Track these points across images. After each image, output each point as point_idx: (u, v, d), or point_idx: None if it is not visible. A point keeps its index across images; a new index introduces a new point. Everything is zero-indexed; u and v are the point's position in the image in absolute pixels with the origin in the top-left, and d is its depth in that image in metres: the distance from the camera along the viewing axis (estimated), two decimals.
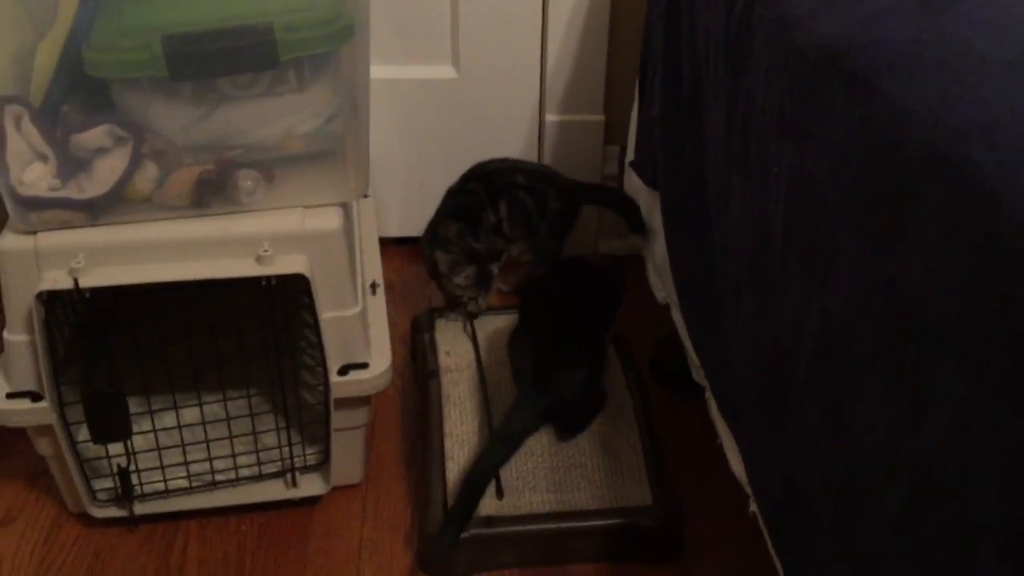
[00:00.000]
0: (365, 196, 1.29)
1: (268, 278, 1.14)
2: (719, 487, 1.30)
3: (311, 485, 1.32)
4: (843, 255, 0.78)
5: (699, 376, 1.27)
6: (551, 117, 1.80)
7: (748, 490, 1.06)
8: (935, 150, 0.65)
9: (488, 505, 1.24)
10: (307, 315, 1.23)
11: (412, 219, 1.88)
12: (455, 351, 1.47)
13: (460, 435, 1.33)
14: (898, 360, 0.69)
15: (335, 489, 1.33)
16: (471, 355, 1.46)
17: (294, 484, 1.31)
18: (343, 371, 1.23)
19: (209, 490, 1.30)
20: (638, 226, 1.58)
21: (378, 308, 1.35)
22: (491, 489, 1.26)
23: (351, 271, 1.21)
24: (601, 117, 1.81)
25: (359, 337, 1.24)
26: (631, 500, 1.26)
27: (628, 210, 1.60)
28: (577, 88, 1.79)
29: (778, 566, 0.96)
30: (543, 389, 1.29)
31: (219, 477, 1.30)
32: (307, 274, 1.14)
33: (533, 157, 1.82)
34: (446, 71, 1.77)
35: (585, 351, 1.35)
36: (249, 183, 1.17)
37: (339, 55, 1.15)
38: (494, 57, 1.75)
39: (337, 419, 1.25)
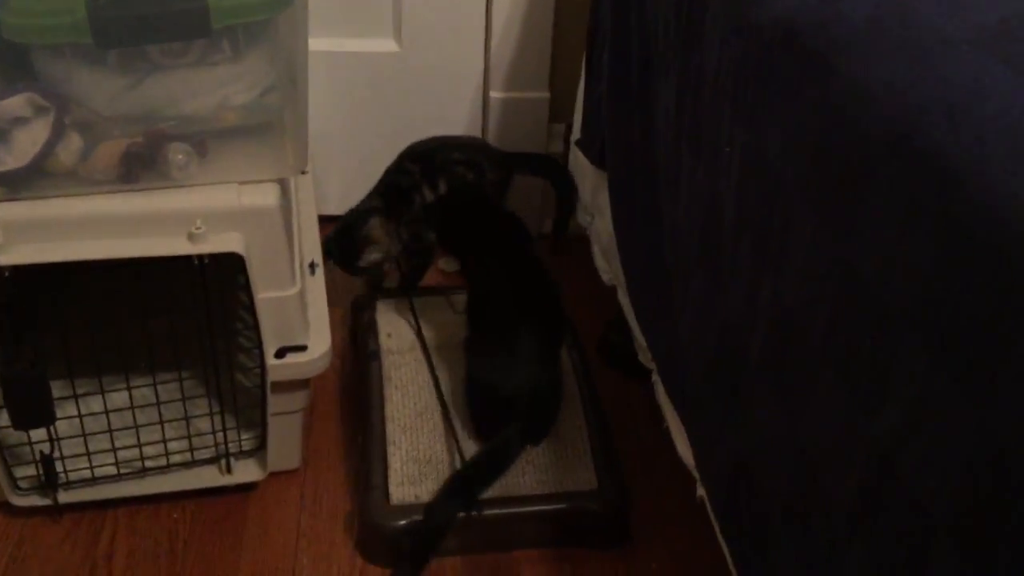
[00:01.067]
0: (303, 172, 1.24)
1: (201, 257, 1.09)
2: (666, 470, 1.28)
3: (247, 471, 1.27)
4: (798, 237, 0.76)
5: (646, 359, 1.26)
6: (495, 94, 1.76)
7: (696, 475, 1.05)
8: (895, 130, 0.64)
9: (435, 489, 1.21)
10: (243, 296, 1.18)
11: (352, 197, 1.83)
12: (396, 332, 1.43)
13: (402, 419, 1.29)
14: (855, 345, 0.68)
15: (272, 475, 1.29)
16: (413, 336, 1.43)
17: (229, 470, 1.27)
18: (280, 354, 1.19)
19: (139, 477, 1.25)
20: (568, 194, 1.59)
21: (317, 288, 1.30)
22: (435, 473, 1.24)
23: (289, 250, 1.17)
24: (546, 94, 1.78)
25: (297, 319, 1.20)
26: (577, 484, 1.24)
27: (559, 178, 1.59)
28: (522, 64, 1.75)
29: (726, 552, 0.94)
30: (528, 414, 1.25)
31: (149, 464, 1.24)
32: (242, 253, 1.10)
33: (477, 134, 1.78)
34: (388, 44, 1.72)
35: (552, 352, 1.31)
36: (181, 157, 1.12)
37: (276, 24, 1.10)
38: (437, 31, 1.71)
39: (274, 403, 1.21)
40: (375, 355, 1.39)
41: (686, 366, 1.03)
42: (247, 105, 1.16)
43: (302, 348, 1.20)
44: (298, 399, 1.25)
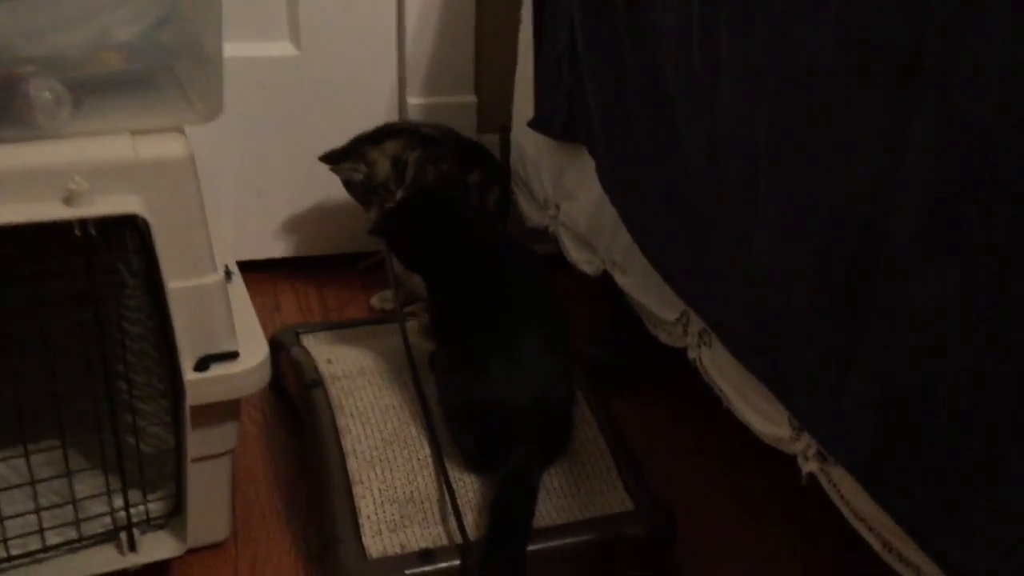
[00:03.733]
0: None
1: (84, 226, 0.78)
2: (692, 490, 1.03)
3: (157, 547, 0.92)
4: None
5: (672, 335, 1.00)
6: (414, 100, 1.53)
7: (795, 443, 0.79)
8: None
9: (424, 535, 0.90)
10: (137, 294, 0.85)
11: (250, 236, 1.53)
12: (339, 358, 1.12)
13: (367, 452, 0.98)
14: None
15: (191, 552, 0.94)
16: (362, 361, 1.12)
17: (132, 548, 0.91)
18: (202, 365, 0.87)
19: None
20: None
21: (240, 295, 0.99)
22: (420, 515, 0.92)
23: (205, 222, 0.86)
24: (472, 98, 1.55)
25: (222, 316, 0.88)
26: (608, 507, 0.96)
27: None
28: (443, 66, 1.53)
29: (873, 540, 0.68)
30: (540, 430, 0.96)
31: (15, 550, 0.88)
32: (144, 216, 0.79)
33: None
34: (284, 48, 1.47)
35: (558, 352, 1.00)
36: (47, 96, 0.81)
37: None
38: (341, 32, 1.47)
39: (195, 442, 0.88)
40: (317, 383, 1.07)
41: (770, 299, 0.78)
42: (134, 44, 0.88)
43: (232, 356, 0.88)
44: (226, 435, 0.92)
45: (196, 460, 0.89)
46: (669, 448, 1.16)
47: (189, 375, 0.85)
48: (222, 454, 0.93)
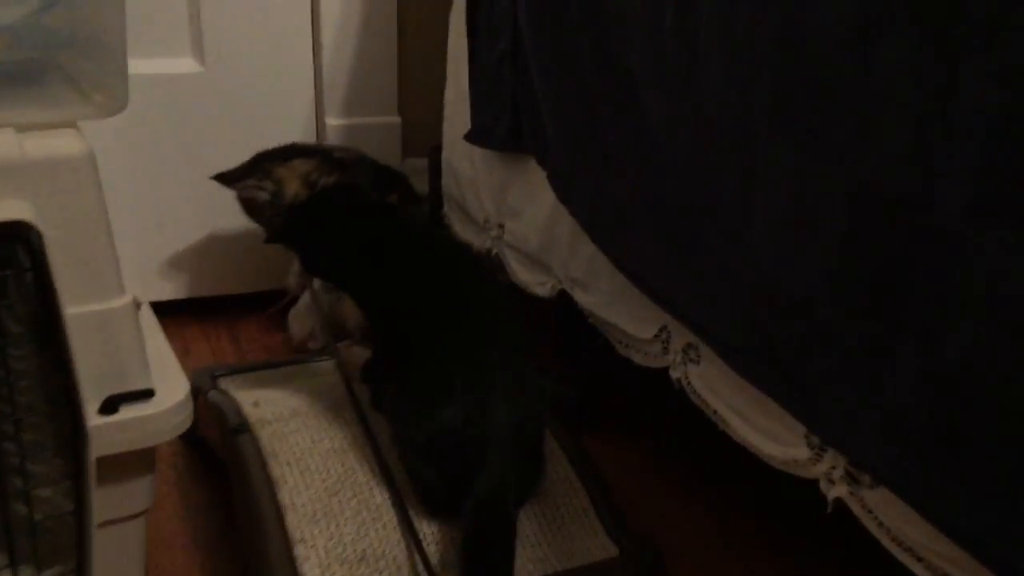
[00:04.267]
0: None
1: None
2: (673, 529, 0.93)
3: None
4: None
5: (650, 356, 0.90)
6: (333, 120, 1.40)
7: (815, 465, 0.69)
8: None
9: None
10: (17, 325, 0.69)
11: (151, 274, 1.38)
12: (267, 401, 0.98)
13: (309, 506, 0.83)
14: None
15: None
16: (292, 402, 0.98)
17: None
18: (109, 407, 0.72)
19: None
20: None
21: (151, 327, 0.85)
22: (396, 574, 0.78)
23: (110, 233, 0.72)
24: (396, 119, 1.44)
25: (132, 347, 0.74)
26: (588, 555, 0.84)
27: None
28: (364, 85, 1.41)
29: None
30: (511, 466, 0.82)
31: None
32: (33, 223, 0.65)
33: None
34: (187, 64, 1.33)
35: (527, 376, 0.87)
36: None
37: None
38: (249, 45, 1.34)
39: (101, 503, 0.72)
40: (242, 429, 0.92)
41: (777, 298, 0.68)
42: (17, 28, 0.74)
43: (145, 394, 0.73)
44: (140, 492, 0.77)
45: (103, 525, 0.74)
46: (643, 486, 1.05)
47: (93, 420, 0.70)
48: (135, 516, 0.78)
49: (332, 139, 1.39)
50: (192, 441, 1.06)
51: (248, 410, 0.95)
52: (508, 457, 0.80)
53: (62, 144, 0.69)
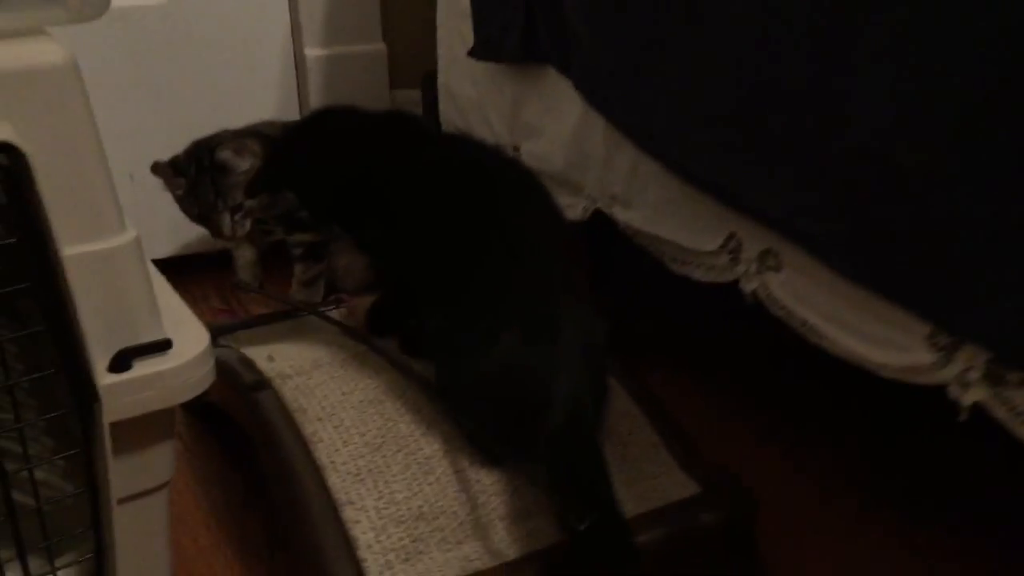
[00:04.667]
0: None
1: None
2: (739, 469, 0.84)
3: None
4: None
5: (715, 270, 0.81)
6: (313, 51, 1.28)
7: (942, 368, 0.60)
8: None
9: (449, 560, 0.67)
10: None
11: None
12: (281, 354, 0.87)
13: (348, 463, 0.74)
14: None
15: None
16: (311, 353, 0.87)
17: None
18: (121, 363, 0.61)
19: None
20: None
21: (154, 274, 0.73)
22: (439, 533, 0.69)
23: (104, 157, 0.61)
24: (381, 46, 1.32)
25: (141, 292, 0.63)
26: (669, 493, 0.75)
27: None
28: (344, 11, 1.29)
29: None
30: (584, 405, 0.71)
31: None
32: (16, 143, 0.53)
33: (292, 103, 1.28)
34: None
35: (586, 295, 0.78)
36: None
37: None
38: None
39: (118, 475, 0.62)
40: (261, 385, 0.82)
41: (892, 176, 0.59)
42: None
43: (162, 346, 0.62)
44: (160, 461, 0.66)
45: (124, 500, 0.63)
46: (705, 423, 0.96)
47: (105, 378, 0.60)
48: (156, 488, 0.67)
49: (312, 72, 1.28)
50: (197, 408, 0.95)
51: (263, 365, 0.85)
52: (585, 379, 0.70)
53: (40, 52, 0.58)
